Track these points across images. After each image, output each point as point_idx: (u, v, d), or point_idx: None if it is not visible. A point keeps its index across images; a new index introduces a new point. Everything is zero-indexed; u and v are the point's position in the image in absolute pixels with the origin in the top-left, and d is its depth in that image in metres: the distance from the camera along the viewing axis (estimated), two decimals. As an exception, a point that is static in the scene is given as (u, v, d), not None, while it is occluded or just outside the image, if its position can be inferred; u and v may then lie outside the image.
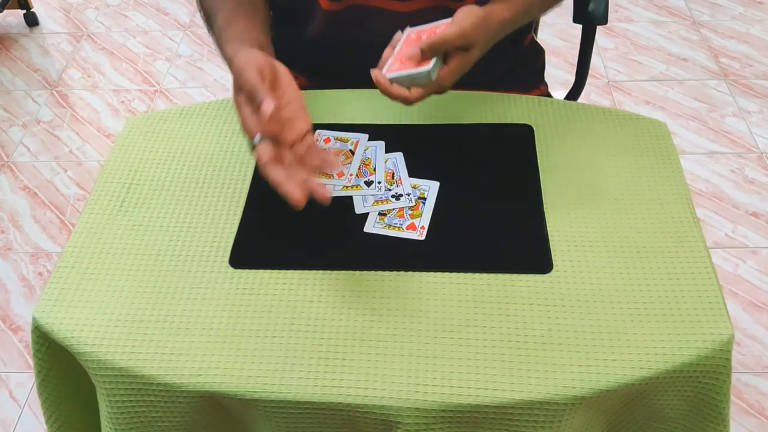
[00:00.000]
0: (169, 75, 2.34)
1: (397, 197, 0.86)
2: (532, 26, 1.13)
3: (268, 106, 0.74)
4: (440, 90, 0.83)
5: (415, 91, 0.81)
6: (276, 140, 0.77)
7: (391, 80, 0.82)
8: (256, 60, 0.79)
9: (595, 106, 0.97)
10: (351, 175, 0.89)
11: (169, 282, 0.78)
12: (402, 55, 0.83)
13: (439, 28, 0.85)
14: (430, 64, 0.80)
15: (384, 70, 0.83)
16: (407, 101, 0.82)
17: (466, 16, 0.82)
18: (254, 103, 0.77)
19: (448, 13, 0.98)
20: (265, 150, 0.75)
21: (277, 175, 0.74)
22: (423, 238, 0.81)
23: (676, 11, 2.53)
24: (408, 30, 0.87)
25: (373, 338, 0.72)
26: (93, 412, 0.83)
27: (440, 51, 0.81)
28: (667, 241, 0.80)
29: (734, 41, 2.38)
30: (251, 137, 0.77)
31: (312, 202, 0.86)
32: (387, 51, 0.85)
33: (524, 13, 0.92)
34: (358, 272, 0.78)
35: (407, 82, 0.82)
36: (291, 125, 0.79)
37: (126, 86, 2.31)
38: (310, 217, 0.84)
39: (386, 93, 0.82)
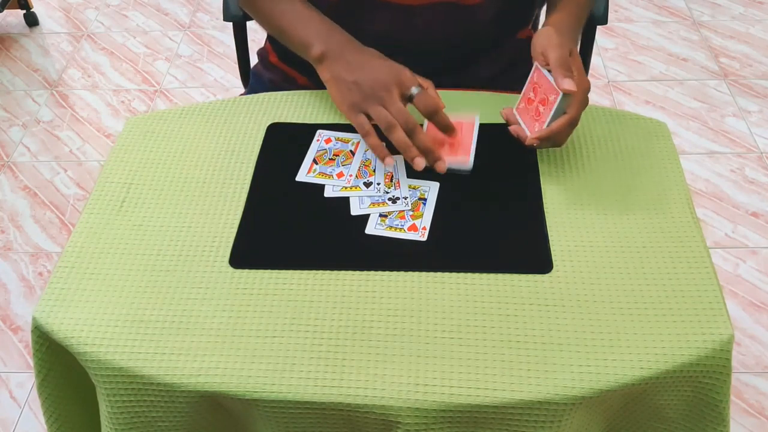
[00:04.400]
0: (169, 75, 2.34)
1: (394, 200, 0.86)
2: (530, 21, 1.13)
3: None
4: (586, 95, 0.85)
5: (571, 108, 0.84)
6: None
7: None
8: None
9: (595, 106, 0.97)
10: (350, 175, 0.89)
11: (169, 282, 0.78)
12: (529, 116, 0.87)
13: (535, 75, 0.88)
14: (559, 95, 0.83)
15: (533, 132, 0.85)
16: (575, 120, 0.84)
17: (547, 38, 0.87)
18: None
19: (454, 9, 0.99)
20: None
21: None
22: (425, 239, 0.81)
23: (676, 11, 2.53)
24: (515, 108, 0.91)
25: (373, 338, 0.72)
26: (93, 412, 0.83)
27: (569, 68, 0.84)
28: (667, 241, 0.80)
29: (734, 41, 2.38)
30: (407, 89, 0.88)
31: (311, 203, 0.86)
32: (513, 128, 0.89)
33: (579, 9, 0.97)
34: (358, 272, 0.78)
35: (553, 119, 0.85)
36: None
37: (126, 86, 2.31)
38: (311, 218, 0.85)
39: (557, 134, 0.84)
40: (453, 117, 0.91)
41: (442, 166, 0.87)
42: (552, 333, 0.72)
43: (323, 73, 0.94)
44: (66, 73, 2.37)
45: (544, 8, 1.06)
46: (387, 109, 0.87)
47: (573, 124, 0.84)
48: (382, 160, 0.87)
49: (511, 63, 1.11)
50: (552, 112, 0.83)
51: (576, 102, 0.84)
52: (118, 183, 0.90)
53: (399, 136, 0.86)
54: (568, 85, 0.82)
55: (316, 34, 0.94)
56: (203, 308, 0.76)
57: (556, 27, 0.90)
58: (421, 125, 0.89)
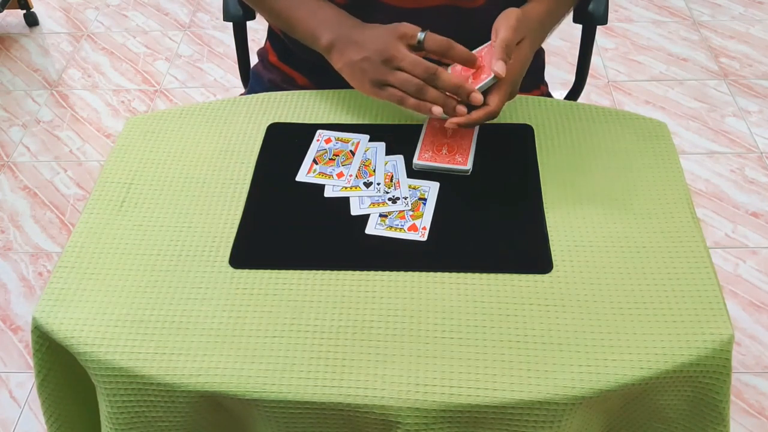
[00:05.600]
0: (169, 75, 2.35)
1: (394, 200, 0.86)
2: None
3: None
4: (514, 87, 0.86)
5: (492, 99, 0.84)
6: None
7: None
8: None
9: (595, 106, 0.97)
10: (350, 175, 0.89)
11: (169, 282, 0.78)
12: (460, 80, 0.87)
13: (485, 50, 0.89)
14: (490, 75, 0.83)
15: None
16: (494, 113, 0.85)
17: (507, 17, 0.88)
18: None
19: (457, 12, 0.99)
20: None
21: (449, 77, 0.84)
22: (425, 239, 0.81)
23: (676, 11, 2.53)
24: (452, 65, 0.91)
25: (373, 338, 0.72)
26: (93, 412, 0.83)
27: (510, 52, 0.85)
28: (667, 241, 0.80)
29: (734, 41, 2.38)
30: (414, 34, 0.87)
31: (311, 203, 0.86)
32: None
33: (556, 5, 0.98)
34: (358, 272, 0.78)
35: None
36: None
37: (126, 86, 2.31)
38: (311, 218, 0.85)
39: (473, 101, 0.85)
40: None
41: (477, 97, 0.84)
42: (552, 333, 0.72)
43: (335, 63, 0.93)
44: (66, 73, 2.37)
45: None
46: (401, 67, 0.86)
47: (491, 116, 0.85)
48: (430, 112, 0.86)
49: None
50: (478, 87, 0.84)
51: (499, 93, 0.84)
52: (118, 183, 0.90)
53: (431, 94, 0.85)
54: (499, 68, 0.82)
55: (323, 24, 0.94)
56: (203, 308, 0.76)
57: (524, 12, 0.90)
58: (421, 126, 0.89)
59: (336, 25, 0.93)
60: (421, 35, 0.86)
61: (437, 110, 0.85)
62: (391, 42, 0.87)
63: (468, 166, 0.88)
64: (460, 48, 0.86)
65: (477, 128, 0.92)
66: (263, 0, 1.02)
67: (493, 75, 0.83)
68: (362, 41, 0.89)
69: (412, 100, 0.86)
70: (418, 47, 0.87)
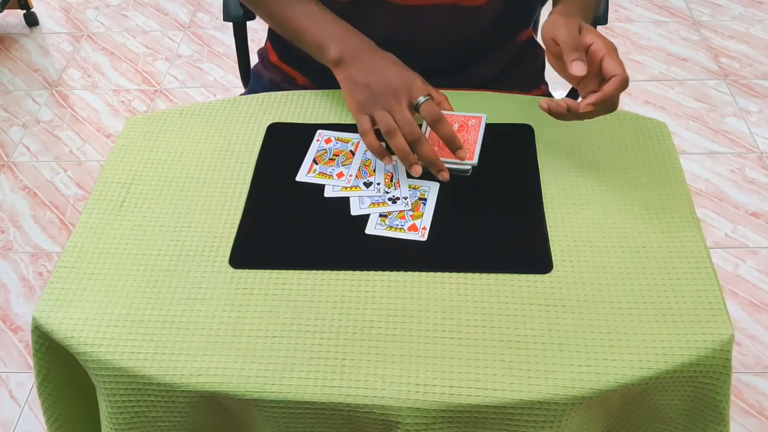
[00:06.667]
0: (169, 75, 2.34)
1: (394, 200, 0.86)
2: (531, 23, 1.13)
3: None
4: (616, 52, 0.82)
5: (616, 67, 0.80)
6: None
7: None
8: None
9: (595, 106, 0.97)
10: (350, 175, 0.89)
11: (169, 282, 0.78)
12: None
13: (471, 120, 0.90)
14: (465, 159, 0.86)
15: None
16: (626, 80, 0.80)
17: (552, 23, 0.85)
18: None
19: (458, 10, 0.99)
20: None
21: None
22: (425, 239, 0.81)
23: (676, 11, 2.53)
24: None
25: (373, 338, 0.72)
26: (93, 412, 0.84)
27: (579, 48, 0.81)
28: (667, 241, 0.80)
29: (734, 41, 2.38)
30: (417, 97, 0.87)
31: (311, 203, 0.86)
32: None
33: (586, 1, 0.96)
34: (358, 272, 0.78)
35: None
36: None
37: (126, 86, 2.31)
38: (311, 218, 0.85)
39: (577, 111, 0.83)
40: (459, 115, 0.90)
41: (445, 176, 0.85)
42: (552, 333, 0.72)
43: (338, 75, 0.93)
44: (66, 73, 2.37)
45: (544, 10, 1.06)
46: (393, 116, 0.86)
47: (625, 83, 0.80)
48: (381, 159, 0.87)
49: (511, 64, 1.11)
50: (447, 161, 0.86)
51: (614, 59, 0.80)
52: (118, 183, 0.90)
53: (398, 142, 0.85)
54: (577, 69, 0.80)
55: (331, 37, 0.94)
56: (203, 308, 0.76)
57: (560, 12, 0.89)
58: (420, 125, 0.89)
59: (344, 40, 0.93)
60: (421, 99, 0.87)
61: (387, 161, 0.87)
62: (397, 90, 0.87)
63: (474, 160, 0.87)
64: (447, 127, 0.85)
65: (483, 124, 0.91)
66: (268, 8, 1.02)
67: (467, 163, 0.86)
68: (371, 68, 0.90)
69: (371, 138, 0.87)
70: (415, 107, 0.87)
